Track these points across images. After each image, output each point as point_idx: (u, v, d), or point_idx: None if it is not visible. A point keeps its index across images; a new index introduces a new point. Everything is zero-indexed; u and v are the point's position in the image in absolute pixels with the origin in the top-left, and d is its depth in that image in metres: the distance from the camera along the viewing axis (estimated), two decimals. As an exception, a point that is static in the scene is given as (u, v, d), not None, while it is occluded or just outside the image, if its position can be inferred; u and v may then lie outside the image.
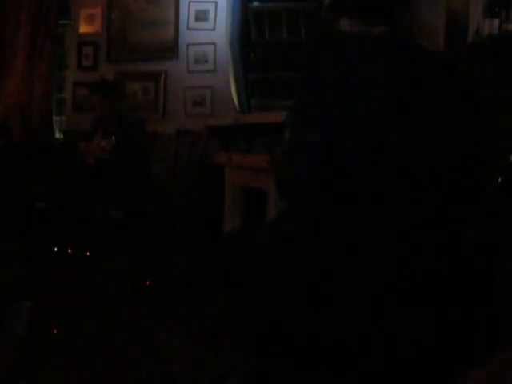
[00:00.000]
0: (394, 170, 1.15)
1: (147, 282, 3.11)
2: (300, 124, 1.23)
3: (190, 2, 4.41)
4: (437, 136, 1.17)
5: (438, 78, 1.21)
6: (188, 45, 4.43)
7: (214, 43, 4.37)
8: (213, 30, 4.37)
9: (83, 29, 4.70)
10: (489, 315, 1.16)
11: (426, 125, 1.17)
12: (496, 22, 2.47)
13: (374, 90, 1.15)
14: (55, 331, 2.32)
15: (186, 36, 4.44)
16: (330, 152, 1.15)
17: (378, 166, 1.14)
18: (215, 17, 4.36)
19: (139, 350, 2.17)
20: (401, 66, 1.18)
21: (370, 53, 1.19)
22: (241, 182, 2.88)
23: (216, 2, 4.35)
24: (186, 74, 4.45)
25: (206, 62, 4.39)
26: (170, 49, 4.47)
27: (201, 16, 4.41)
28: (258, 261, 1.26)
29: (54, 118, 4.93)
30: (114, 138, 3.65)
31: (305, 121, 1.21)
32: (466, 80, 1.26)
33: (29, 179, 4.12)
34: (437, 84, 1.20)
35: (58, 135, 4.88)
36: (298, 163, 1.21)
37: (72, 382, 1.92)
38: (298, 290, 1.17)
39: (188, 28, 4.43)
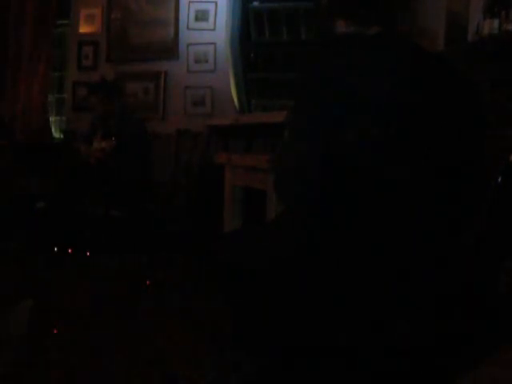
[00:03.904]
0: (394, 170, 1.15)
1: (147, 282, 3.11)
2: (300, 125, 1.23)
3: (190, 1, 4.41)
4: (437, 137, 1.17)
5: (435, 79, 1.21)
6: (188, 45, 4.43)
7: (214, 43, 4.37)
8: (213, 30, 4.37)
9: (83, 29, 4.70)
10: (489, 315, 1.16)
11: (425, 125, 1.17)
12: (496, 21, 2.47)
13: (368, 91, 1.14)
14: (55, 331, 2.32)
15: (185, 36, 4.44)
16: (330, 153, 1.15)
17: (379, 166, 1.14)
18: (215, 17, 4.35)
19: (139, 350, 2.17)
20: (391, 66, 1.18)
21: (364, 53, 1.19)
22: (241, 182, 2.88)
23: (216, 2, 4.35)
24: (185, 73, 4.45)
25: (206, 61, 4.39)
26: (170, 49, 4.47)
27: (201, 16, 4.41)
28: (259, 261, 1.26)
29: (54, 118, 4.93)
30: (113, 138, 3.65)
31: (304, 121, 1.21)
32: (464, 80, 1.26)
33: (29, 179, 4.12)
34: (434, 84, 1.20)
35: (57, 135, 4.89)
36: (297, 164, 1.21)
37: (72, 381, 1.92)
38: (298, 290, 1.18)
39: (188, 28, 4.43)
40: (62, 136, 4.85)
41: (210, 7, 4.37)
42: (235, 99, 4.26)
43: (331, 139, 1.15)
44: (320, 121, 1.17)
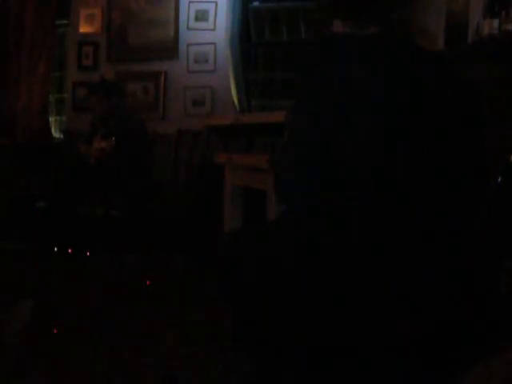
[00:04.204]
0: (394, 170, 1.15)
1: (147, 282, 3.11)
2: (299, 125, 1.23)
3: (189, 2, 4.41)
4: (436, 137, 1.17)
5: (434, 79, 1.21)
6: (188, 45, 4.43)
7: (214, 43, 4.37)
8: (213, 30, 4.37)
9: (83, 29, 4.70)
10: (489, 315, 1.16)
11: (425, 125, 1.17)
12: (496, 22, 2.47)
13: (367, 91, 1.15)
14: (55, 331, 2.32)
15: (186, 36, 4.44)
16: (329, 152, 1.15)
17: (379, 166, 1.14)
18: (215, 17, 4.36)
19: (139, 350, 2.17)
20: (390, 66, 1.18)
21: (361, 53, 1.19)
22: (241, 182, 2.88)
23: (216, 2, 4.35)
24: (185, 73, 4.45)
25: (206, 61, 4.39)
26: (170, 49, 4.47)
27: (201, 16, 4.41)
28: (259, 261, 1.26)
29: (54, 118, 4.94)
30: (113, 138, 3.65)
31: (304, 121, 1.21)
32: (464, 80, 1.26)
33: (29, 179, 4.12)
34: (433, 85, 1.20)
35: (57, 135, 4.89)
36: (297, 164, 1.22)
37: (72, 382, 1.92)
38: (298, 290, 1.18)
39: (188, 28, 4.43)
40: (61, 136, 4.85)
41: (210, 7, 4.37)
42: (235, 99, 4.26)
43: (331, 139, 1.15)
44: (320, 121, 1.17)
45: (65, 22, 4.81)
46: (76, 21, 4.71)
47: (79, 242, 3.67)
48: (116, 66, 4.61)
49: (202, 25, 4.40)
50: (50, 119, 4.86)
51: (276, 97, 4.49)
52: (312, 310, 1.16)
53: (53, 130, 4.88)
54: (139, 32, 4.54)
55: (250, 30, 4.48)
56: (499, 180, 1.17)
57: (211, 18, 4.37)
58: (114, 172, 3.62)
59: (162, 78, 4.51)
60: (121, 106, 3.91)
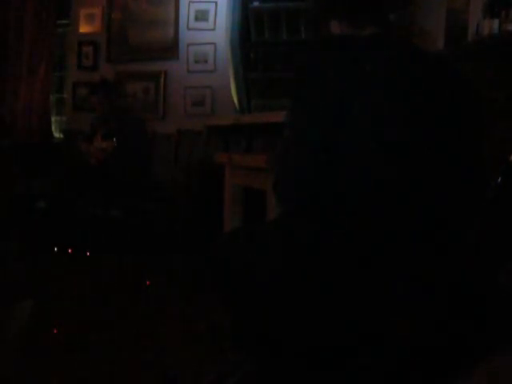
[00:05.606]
0: (394, 170, 1.15)
1: (147, 282, 3.11)
2: (299, 125, 1.23)
3: (190, 2, 4.41)
4: (436, 137, 1.17)
5: (433, 79, 1.21)
6: (188, 45, 4.43)
7: (214, 43, 4.37)
8: (213, 30, 4.37)
9: (83, 29, 4.70)
10: (489, 315, 1.16)
11: (424, 126, 1.17)
12: (496, 22, 2.47)
13: (367, 91, 1.15)
14: (55, 331, 2.32)
15: (186, 36, 4.44)
16: (328, 153, 1.15)
17: (379, 166, 1.14)
18: (215, 17, 4.36)
19: (139, 350, 2.17)
20: (390, 66, 1.18)
21: (360, 54, 1.19)
22: (241, 182, 2.88)
23: (216, 2, 4.35)
24: (186, 73, 4.46)
25: (206, 62, 4.39)
26: (170, 49, 4.48)
27: (201, 16, 4.41)
28: (258, 261, 1.26)
29: (54, 118, 4.94)
30: (114, 139, 3.65)
31: (304, 122, 1.21)
32: (463, 80, 1.26)
33: (29, 179, 4.12)
34: (432, 85, 1.20)
35: (57, 135, 4.89)
36: (297, 163, 1.22)
37: (72, 382, 1.92)
38: (298, 290, 1.18)
39: (188, 28, 4.43)
40: (61, 136, 4.85)
41: (210, 7, 4.37)
42: (235, 99, 4.26)
43: (331, 140, 1.15)
44: (319, 122, 1.17)
45: (65, 21, 4.81)
46: (76, 21, 4.71)
47: (79, 241, 3.67)
48: (116, 66, 4.61)
49: (202, 25, 4.40)
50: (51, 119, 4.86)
51: (276, 97, 4.48)
52: (312, 309, 1.16)
53: (53, 130, 4.88)
54: (139, 32, 4.54)
55: (250, 30, 4.48)
56: (499, 180, 1.17)
57: (211, 18, 4.37)
58: (114, 172, 3.62)
59: (162, 78, 4.51)
60: (121, 106, 3.91)
